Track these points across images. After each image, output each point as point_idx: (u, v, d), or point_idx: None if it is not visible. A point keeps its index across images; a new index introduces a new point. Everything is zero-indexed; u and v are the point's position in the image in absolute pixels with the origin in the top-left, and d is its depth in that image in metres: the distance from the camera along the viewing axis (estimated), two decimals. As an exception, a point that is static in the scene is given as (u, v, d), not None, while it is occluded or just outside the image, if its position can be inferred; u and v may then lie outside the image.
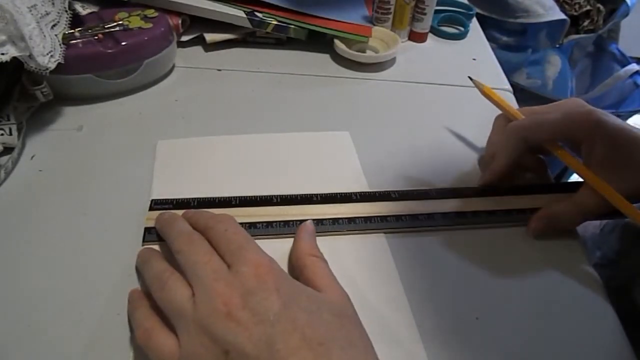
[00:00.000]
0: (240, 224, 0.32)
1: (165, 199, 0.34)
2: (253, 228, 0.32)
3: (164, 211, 0.32)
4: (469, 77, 0.41)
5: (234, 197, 0.34)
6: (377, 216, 0.34)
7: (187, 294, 0.24)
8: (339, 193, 0.35)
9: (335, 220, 0.33)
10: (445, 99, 0.49)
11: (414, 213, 0.34)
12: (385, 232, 0.34)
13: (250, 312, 0.22)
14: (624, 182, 0.32)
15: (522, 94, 0.46)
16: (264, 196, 0.35)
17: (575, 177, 0.36)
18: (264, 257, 0.26)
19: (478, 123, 0.42)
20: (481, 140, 0.42)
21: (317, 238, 0.31)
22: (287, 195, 0.35)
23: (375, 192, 0.36)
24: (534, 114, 0.37)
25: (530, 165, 0.39)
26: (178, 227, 0.29)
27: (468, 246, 0.34)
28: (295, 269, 0.29)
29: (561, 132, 0.34)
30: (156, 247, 0.31)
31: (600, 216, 0.34)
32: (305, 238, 0.30)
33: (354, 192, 0.35)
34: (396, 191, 0.36)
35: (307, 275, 0.27)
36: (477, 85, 0.41)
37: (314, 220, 0.33)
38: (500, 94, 0.40)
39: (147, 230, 0.32)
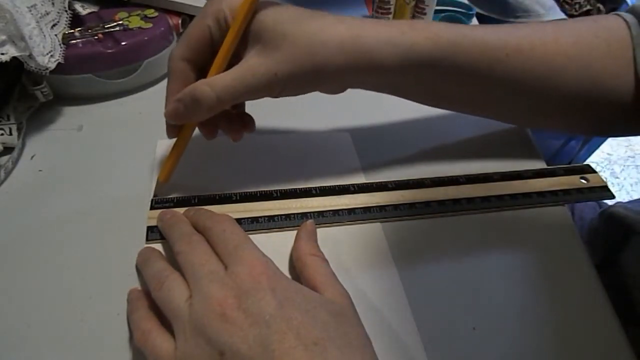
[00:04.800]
0: (242, 219, 0.32)
1: (166, 198, 0.34)
2: (255, 223, 0.33)
3: (166, 210, 0.32)
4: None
5: (234, 193, 0.35)
6: (375, 206, 0.35)
7: (184, 295, 0.24)
8: (337, 185, 0.36)
9: (335, 212, 0.34)
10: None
11: (411, 202, 0.35)
12: (381, 221, 0.34)
13: (245, 312, 0.22)
14: (264, 57, 0.29)
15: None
16: (264, 191, 0.35)
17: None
18: (259, 257, 0.26)
19: (477, 122, 0.42)
20: (480, 138, 0.42)
21: (317, 230, 0.31)
22: (287, 190, 0.35)
23: (373, 183, 0.37)
24: None
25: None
26: (179, 229, 0.29)
27: (463, 231, 0.34)
28: (296, 269, 0.29)
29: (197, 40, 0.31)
30: (159, 245, 0.31)
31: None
32: (306, 237, 0.30)
33: (351, 184, 0.36)
34: (393, 181, 0.37)
35: (307, 274, 0.27)
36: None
37: (314, 212, 0.33)
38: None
39: (150, 229, 0.32)
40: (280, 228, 0.33)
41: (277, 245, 0.30)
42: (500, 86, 0.33)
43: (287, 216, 0.33)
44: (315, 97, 0.47)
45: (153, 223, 0.32)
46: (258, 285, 0.23)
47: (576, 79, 0.33)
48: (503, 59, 0.32)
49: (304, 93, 0.33)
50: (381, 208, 0.35)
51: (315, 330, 0.22)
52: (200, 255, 0.26)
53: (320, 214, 0.34)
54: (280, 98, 0.48)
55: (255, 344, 0.21)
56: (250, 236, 0.28)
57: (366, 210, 0.34)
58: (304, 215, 0.33)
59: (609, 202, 0.55)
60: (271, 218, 0.33)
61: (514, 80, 0.33)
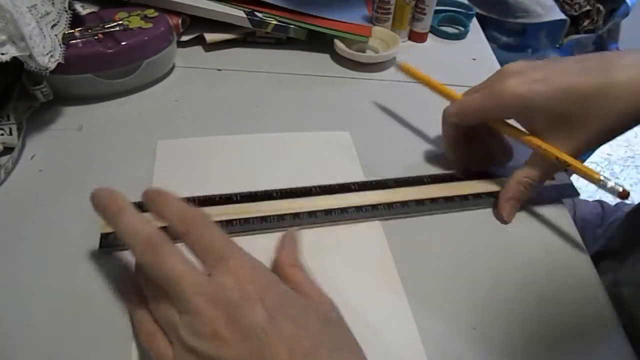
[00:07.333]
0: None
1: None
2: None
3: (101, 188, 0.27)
4: (398, 63, 0.42)
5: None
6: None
7: (173, 310, 0.24)
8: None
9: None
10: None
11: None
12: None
13: (235, 327, 0.22)
14: (571, 139, 0.33)
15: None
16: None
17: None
18: (245, 264, 0.24)
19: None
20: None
21: (317, 229, 0.31)
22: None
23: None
24: (465, 94, 0.37)
25: (494, 150, 0.39)
26: (131, 228, 0.25)
27: (464, 229, 0.35)
28: None
29: (487, 113, 0.35)
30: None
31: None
32: (286, 248, 0.29)
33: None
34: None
35: (289, 286, 0.26)
36: (405, 68, 0.42)
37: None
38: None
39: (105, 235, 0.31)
40: (280, 229, 0.33)
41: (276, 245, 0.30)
42: None
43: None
44: (315, 98, 0.48)
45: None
46: (246, 295, 0.23)
47: None
48: None
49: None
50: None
51: (306, 340, 0.22)
52: (173, 266, 0.23)
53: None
54: (280, 97, 0.48)
55: (248, 358, 0.21)
56: (249, 237, 0.28)
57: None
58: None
59: (611, 202, 0.55)
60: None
61: None
